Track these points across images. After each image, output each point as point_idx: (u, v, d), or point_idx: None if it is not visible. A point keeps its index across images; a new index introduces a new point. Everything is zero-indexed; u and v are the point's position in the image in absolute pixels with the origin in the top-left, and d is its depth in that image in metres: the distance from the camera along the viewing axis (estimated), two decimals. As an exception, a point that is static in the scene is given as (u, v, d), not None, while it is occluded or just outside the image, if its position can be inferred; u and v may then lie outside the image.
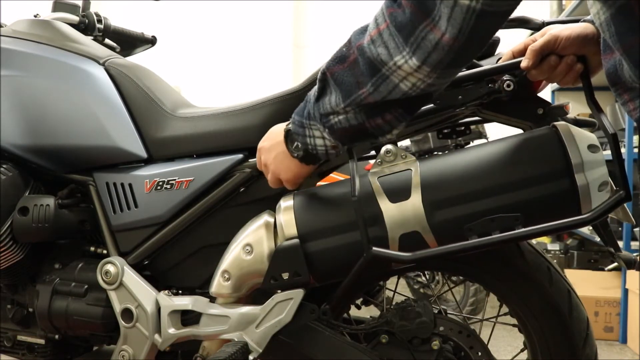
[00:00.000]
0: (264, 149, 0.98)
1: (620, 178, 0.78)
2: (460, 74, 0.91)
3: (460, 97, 0.92)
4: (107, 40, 1.54)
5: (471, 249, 0.85)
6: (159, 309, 1.08)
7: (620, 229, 2.68)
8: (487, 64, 0.96)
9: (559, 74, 0.87)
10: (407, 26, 0.73)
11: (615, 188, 0.82)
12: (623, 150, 2.66)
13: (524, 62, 0.86)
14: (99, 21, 1.49)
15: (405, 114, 0.83)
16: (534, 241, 1.18)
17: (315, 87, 0.88)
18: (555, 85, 0.99)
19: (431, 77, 0.76)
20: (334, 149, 0.90)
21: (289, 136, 0.93)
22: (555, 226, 0.82)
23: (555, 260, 2.01)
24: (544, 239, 3.79)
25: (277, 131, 0.96)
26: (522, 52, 0.89)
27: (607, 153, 0.83)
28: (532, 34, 1.03)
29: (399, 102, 0.81)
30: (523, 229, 0.82)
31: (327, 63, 0.85)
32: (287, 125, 0.95)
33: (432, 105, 0.94)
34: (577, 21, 0.93)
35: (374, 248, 0.87)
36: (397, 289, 1.24)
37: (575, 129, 0.86)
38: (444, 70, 0.75)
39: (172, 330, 1.06)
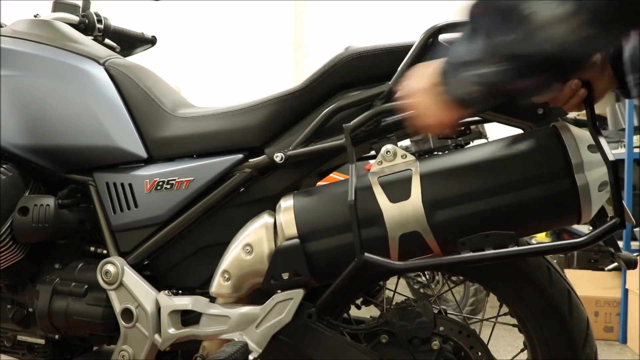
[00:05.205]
0: (413, 88, 0.86)
1: (616, 206, 0.80)
2: None
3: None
4: (107, 40, 1.54)
5: (462, 264, 0.85)
6: (159, 309, 1.08)
7: (620, 229, 2.67)
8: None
9: (563, 98, 0.86)
10: None
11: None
12: (623, 150, 2.66)
13: None
14: (99, 21, 1.49)
15: (552, 80, 0.73)
16: (533, 241, 1.18)
17: (466, 28, 0.75)
18: (555, 86, 0.98)
19: (587, 31, 0.63)
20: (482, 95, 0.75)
21: (442, 77, 0.80)
22: (550, 247, 0.84)
23: (555, 260, 2.01)
24: (544, 239, 3.79)
25: (430, 71, 0.83)
26: None
27: (616, 152, 0.83)
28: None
29: (548, 63, 0.69)
30: (516, 248, 0.82)
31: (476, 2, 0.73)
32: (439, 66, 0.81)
33: None
34: None
35: (366, 254, 0.88)
36: (397, 289, 1.24)
37: (575, 129, 0.86)
38: (606, 26, 0.63)
39: (172, 330, 1.06)
